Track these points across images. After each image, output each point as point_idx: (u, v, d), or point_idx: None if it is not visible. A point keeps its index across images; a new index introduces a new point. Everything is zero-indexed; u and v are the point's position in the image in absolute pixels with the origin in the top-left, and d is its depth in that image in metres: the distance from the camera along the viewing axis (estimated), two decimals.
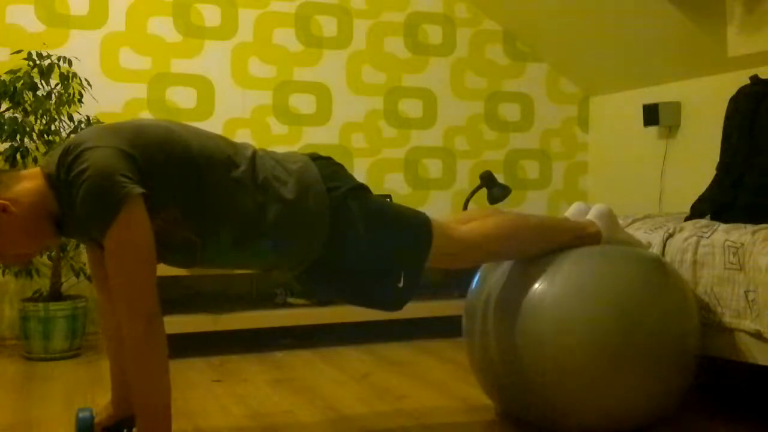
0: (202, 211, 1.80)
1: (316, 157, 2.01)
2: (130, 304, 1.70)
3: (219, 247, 1.86)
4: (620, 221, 2.74)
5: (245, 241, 1.86)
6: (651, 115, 3.72)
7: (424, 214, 2.05)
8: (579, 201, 2.38)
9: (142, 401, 1.78)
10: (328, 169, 1.97)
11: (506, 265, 2.24)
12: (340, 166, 2.02)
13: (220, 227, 1.83)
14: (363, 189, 1.99)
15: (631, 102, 4.00)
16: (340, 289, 2.02)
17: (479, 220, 2.11)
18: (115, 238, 1.66)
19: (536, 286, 2.09)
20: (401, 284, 1.97)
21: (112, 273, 1.71)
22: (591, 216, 2.28)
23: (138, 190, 1.67)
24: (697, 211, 2.70)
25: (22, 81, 3.14)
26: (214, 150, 1.85)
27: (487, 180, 3.67)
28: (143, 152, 1.73)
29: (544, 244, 2.16)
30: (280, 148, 3.74)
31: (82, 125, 3.26)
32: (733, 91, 2.74)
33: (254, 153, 1.91)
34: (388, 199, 3.69)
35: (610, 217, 2.28)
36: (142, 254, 1.69)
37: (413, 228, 1.99)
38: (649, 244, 2.44)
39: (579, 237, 2.19)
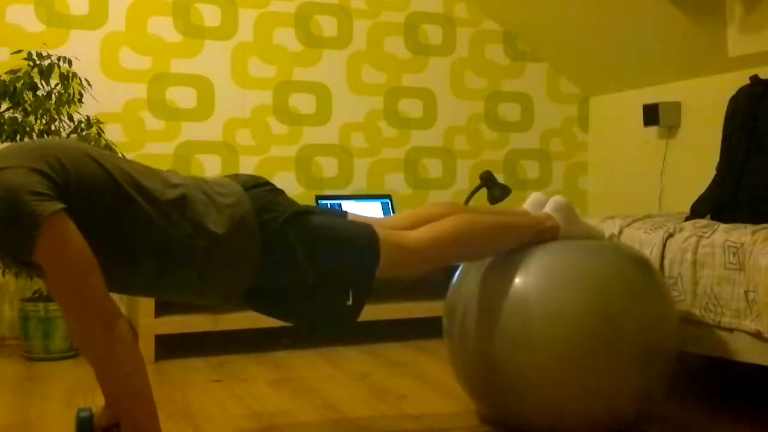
0: (121, 240, 1.74)
1: (252, 185, 1.94)
2: (81, 317, 1.65)
3: (142, 277, 1.79)
4: (619, 220, 2.75)
5: (168, 272, 1.80)
6: (651, 115, 3.72)
7: (370, 227, 1.99)
8: (537, 192, 2.35)
9: (123, 407, 1.73)
10: (263, 199, 1.91)
11: (486, 261, 2.20)
12: (278, 193, 1.96)
13: (141, 257, 1.76)
14: (301, 214, 1.93)
15: (631, 102, 4.00)
16: (284, 313, 1.99)
17: (432, 223, 2.07)
18: (44, 258, 1.60)
19: (516, 282, 2.07)
20: (350, 302, 1.94)
21: (52, 291, 1.67)
22: (548, 209, 2.24)
23: (54, 207, 1.59)
24: (697, 211, 2.70)
25: (22, 81, 3.14)
26: (139, 179, 1.77)
27: (487, 180, 3.67)
28: (57, 169, 1.66)
29: (501, 243, 2.13)
30: (280, 148, 3.77)
31: (82, 125, 3.26)
32: (733, 91, 2.74)
33: (185, 186, 1.84)
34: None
35: (568, 209, 2.24)
36: (77, 266, 1.62)
37: (357, 246, 1.94)
38: (614, 236, 2.41)
39: (538, 232, 2.17)
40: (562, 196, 2.27)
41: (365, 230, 1.98)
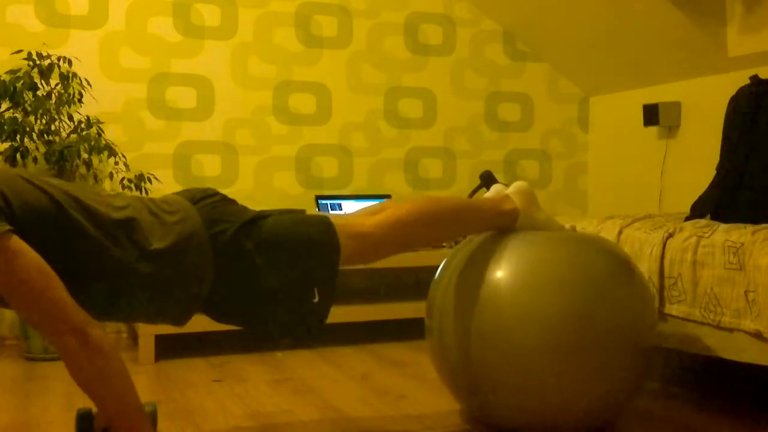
0: (71, 264, 1.70)
1: (200, 198, 1.92)
2: (52, 334, 1.63)
3: (96, 301, 1.76)
4: (619, 220, 2.75)
5: (119, 295, 1.78)
6: (651, 115, 3.72)
7: (326, 220, 1.98)
8: (499, 183, 2.36)
9: (109, 412, 1.71)
10: (214, 211, 1.89)
11: (464, 255, 2.17)
12: (228, 203, 1.94)
13: (92, 281, 1.74)
14: (254, 221, 1.90)
15: (631, 102, 4.00)
16: (250, 323, 1.98)
17: (392, 209, 2.06)
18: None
19: (494, 276, 2.04)
20: (316, 299, 1.93)
21: (16, 309, 1.65)
22: (509, 192, 2.22)
23: (0, 228, 1.56)
24: (697, 211, 2.70)
25: (22, 81, 3.14)
26: (84, 201, 1.74)
27: (487, 180, 3.65)
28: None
29: (461, 224, 2.13)
30: (280, 148, 3.77)
31: (82, 125, 3.26)
32: (733, 91, 2.74)
33: (132, 207, 1.82)
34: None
35: (528, 194, 2.22)
36: (33, 282, 1.59)
37: (315, 243, 1.93)
38: (573, 228, 2.38)
39: (497, 213, 2.16)
40: (524, 182, 2.26)
41: (321, 224, 1.96)
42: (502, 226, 2.18)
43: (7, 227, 1.59)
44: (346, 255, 1.95)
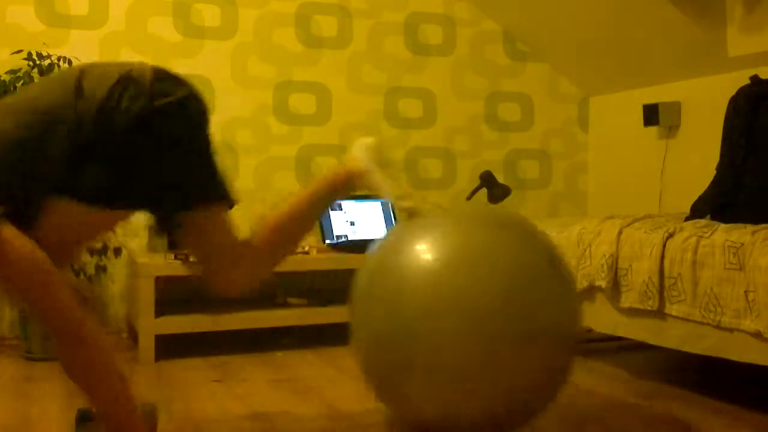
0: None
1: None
2: (54, 331, 1.61)
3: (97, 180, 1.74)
4: (619, 220, 2.75)
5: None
6: (651, 115, 3.72)
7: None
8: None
9: (101, 411, 1.71)
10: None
11: (388, 241, 2.04)
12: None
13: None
14: None
15: (631, 102, 4.00)
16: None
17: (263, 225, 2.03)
18: None
19: (413, 262, 1.90)
20: None
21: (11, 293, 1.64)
22: (353, 150, 2.13)
23: None
24: (697, 211, 2.71)
25: (22, 81, 3.14)
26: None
27: (487, 180, 3.67)
28: None
29: (311, 208, 2.07)
30: (280, 148, 3.77)
31: None
32: (733, 91, 2.74)
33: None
34: None
35: (371, 151, 2.11)
36: (27, 275, 1.55)
37: None
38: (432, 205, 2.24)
39: (333, 182, 2.09)
40: (369, 139, 2.15)
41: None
42: (345, 189, 2.12)
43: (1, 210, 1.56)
44: None
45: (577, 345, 2.00)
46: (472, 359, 1.85)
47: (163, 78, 1.84)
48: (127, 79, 1.76)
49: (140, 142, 1.75)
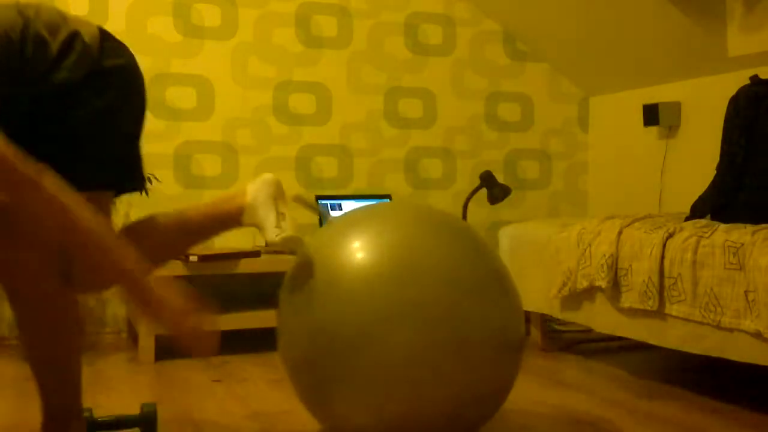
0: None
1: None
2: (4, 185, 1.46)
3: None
4: (619, 220, 2.75)
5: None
6: (651, 115, 3.72)
7: None
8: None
9: (99, 262, 1.57)
10: None
11: (320, 240, 1.94)
12: None
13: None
14: None
15: (631, 102, 4.00)
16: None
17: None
18: None
19: (349, 264, 1.80)
20: None
21: None
22: (250, 185, 2.02)
23: None
24: (697, 211, 2.71)
25: None
26: None
27: (487, 180, 3.67)
28: None
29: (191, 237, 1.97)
30: (280, 148, 3.77)
31: None
32: (733, 91, 2.75)
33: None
34: (387, 199, 3.69)
35: (267, 185, 2.00)
36: None
37: None
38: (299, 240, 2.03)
39: (219, 215, 1.98)
40: (269, 175, 2.03)
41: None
42: (229, 224, 2.00)
43: None
44: None
45: (520, 354, 1.93)
46: (411, 369, 1.74)
47: (110, 38, 1.78)
48: (74, 35, 1.69)
49: (77, 101, 1.64)
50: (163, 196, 3.55)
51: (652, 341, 2.54)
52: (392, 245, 1.84)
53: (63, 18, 1.75)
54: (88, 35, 1.74)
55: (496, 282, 1.89)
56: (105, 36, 1.79)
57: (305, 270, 1.88)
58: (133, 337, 3.33)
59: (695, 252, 2.34)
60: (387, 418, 1.79)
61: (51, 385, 1.78)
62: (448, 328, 1.77)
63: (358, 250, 1.83)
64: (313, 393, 1.90)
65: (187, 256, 3.04)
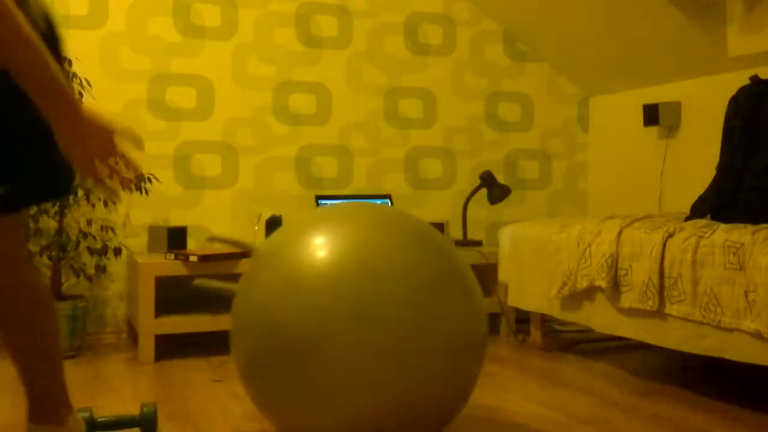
0: None
1: None
2: None
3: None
4: (619, 220, 2.75)
5: None
6: (651, 115, 3.72)
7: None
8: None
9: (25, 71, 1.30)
10: None
11: (276, 240, 1.90)
12: None
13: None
14: None
15: (631, 102, 4.00)
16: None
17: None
18: None
19: (306, 263, 1.77)
20: None
21: None
22: None
23: None
24: (697, 211, 2.71)
25: None
26: None
27: (487, 180, 3.67)
28: None
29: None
30: (280, 149, 3.77)
31: None
32: (733, 91, 2.75)
33: None
34: (387, 200, 3.70)
35: None
36: None
37: None
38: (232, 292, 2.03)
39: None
40: None
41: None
42: None
43: None
44: None
45: (482, 355, 1.92)
46: (372, 371, 1.71)
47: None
48: None
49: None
50: (163, 196, 3.55)
51: (651, 341, 2.54)
52: (351, 246, 1.80)
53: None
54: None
55: (456, 282, 1.85)
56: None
57: (259, 269, 1.84)
58: (133, 337, 3.33)
59: (695, 252, 2.34)
60: (343, 420, 1.75)
61: (31, 368, 1.75)
62: (407, 329, 1.73)
63: (319, 248, 1.80)
64: (266, 397, 1.85)
65: (187, 256, 3.04)
